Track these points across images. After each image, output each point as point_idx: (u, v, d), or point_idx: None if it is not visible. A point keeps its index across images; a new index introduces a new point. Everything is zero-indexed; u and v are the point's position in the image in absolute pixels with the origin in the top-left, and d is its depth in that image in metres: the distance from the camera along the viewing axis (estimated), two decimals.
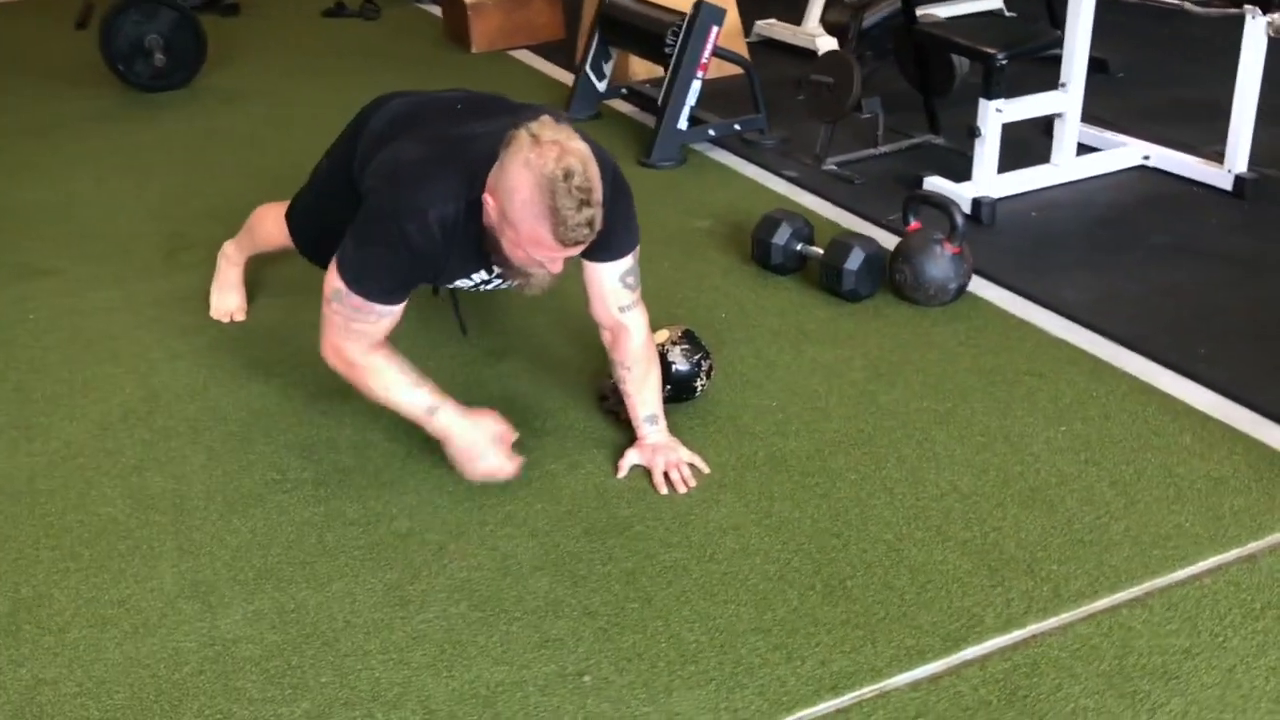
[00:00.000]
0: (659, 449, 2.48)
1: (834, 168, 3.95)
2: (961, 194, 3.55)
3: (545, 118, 2.17)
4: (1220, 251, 3.33)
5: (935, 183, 3.69)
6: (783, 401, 2.71)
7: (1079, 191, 3.74)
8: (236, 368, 2.95)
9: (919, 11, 4.10)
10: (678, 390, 2.66)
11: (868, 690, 1.93)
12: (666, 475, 2.43)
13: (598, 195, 2.13)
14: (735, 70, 4.33)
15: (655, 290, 3.10)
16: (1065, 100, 3.67)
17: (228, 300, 3.21)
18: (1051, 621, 2.05)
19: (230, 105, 5.00)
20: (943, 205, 3.07)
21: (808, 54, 4.99)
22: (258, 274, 3.28)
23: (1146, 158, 3.83)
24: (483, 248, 2.30)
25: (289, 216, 2.85)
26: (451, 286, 2.54)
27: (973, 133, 3.58)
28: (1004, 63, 3.46)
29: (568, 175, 2.08)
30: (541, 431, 2.64)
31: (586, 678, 1.98)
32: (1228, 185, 3.62)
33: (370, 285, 2.28)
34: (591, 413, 2.70)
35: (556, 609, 2.13)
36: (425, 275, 2.36)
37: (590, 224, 2.13)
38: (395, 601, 2.17)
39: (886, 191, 3.79)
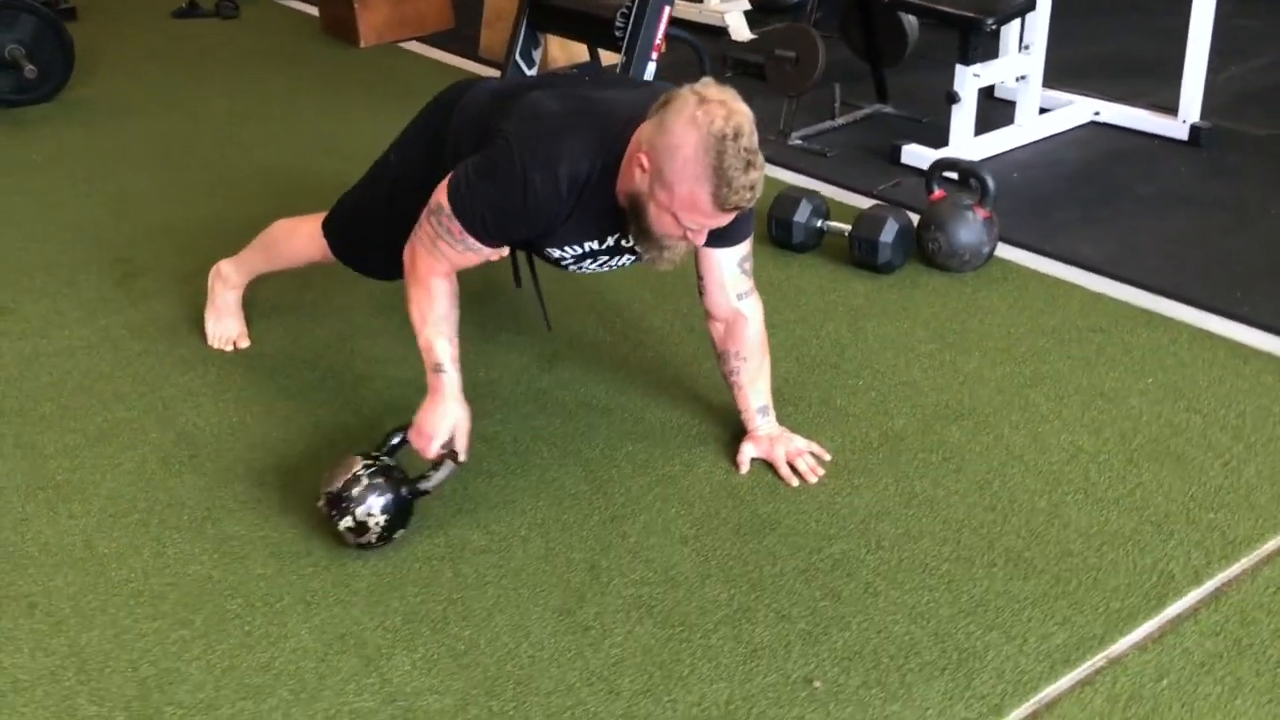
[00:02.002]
0: (776, 440, 2.40)
1: (800, 142, 3.93)
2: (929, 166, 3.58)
3: (707, 79, 2.08)
4: (1205, 199, 3.47)
5: (912, 150, 3.71)
6: (868, 380, 2.67)
7: (1042, 151, 3.83)
8: (270, 399, 2.71)
9: None
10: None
11: (1098, 659, 1.92)
12: (793, 466, 2.36)
13: (762, 159, 2.03)
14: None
15: (680, 280, 3.03)
16: (1029, 62, 3.76)
17: (227, 327, 2.94)
18: (1235, 569, 2.09)
19: (114, 118, 4.59)
20: (972, 170, 3.09)
21: (717, 31, 4.96)
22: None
23: (1097, 114, 3.96)
24: (607, 214, 2.18)
25: (333, 225, 2.63)
26: (556, 255, 2.33)
27: (951, 98, 3.62)
28: (993, 27, 3.51)
29: (736, 135, 1.97)
30: (635, 434, 2.52)
31: (817, 683, 1.89)
32: (1183, 135, 3.78)
33: (473, 217, 2.18)
34: (679, 410, 2.59)
35: (747, 616, 2.03)
36: (534, 229, 2.22)
37: (754, 188, 2.03)
38: (572, 629, 2.03)
39: (861, 162, 3.80)
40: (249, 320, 2.97)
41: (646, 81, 2.42)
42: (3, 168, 4.09)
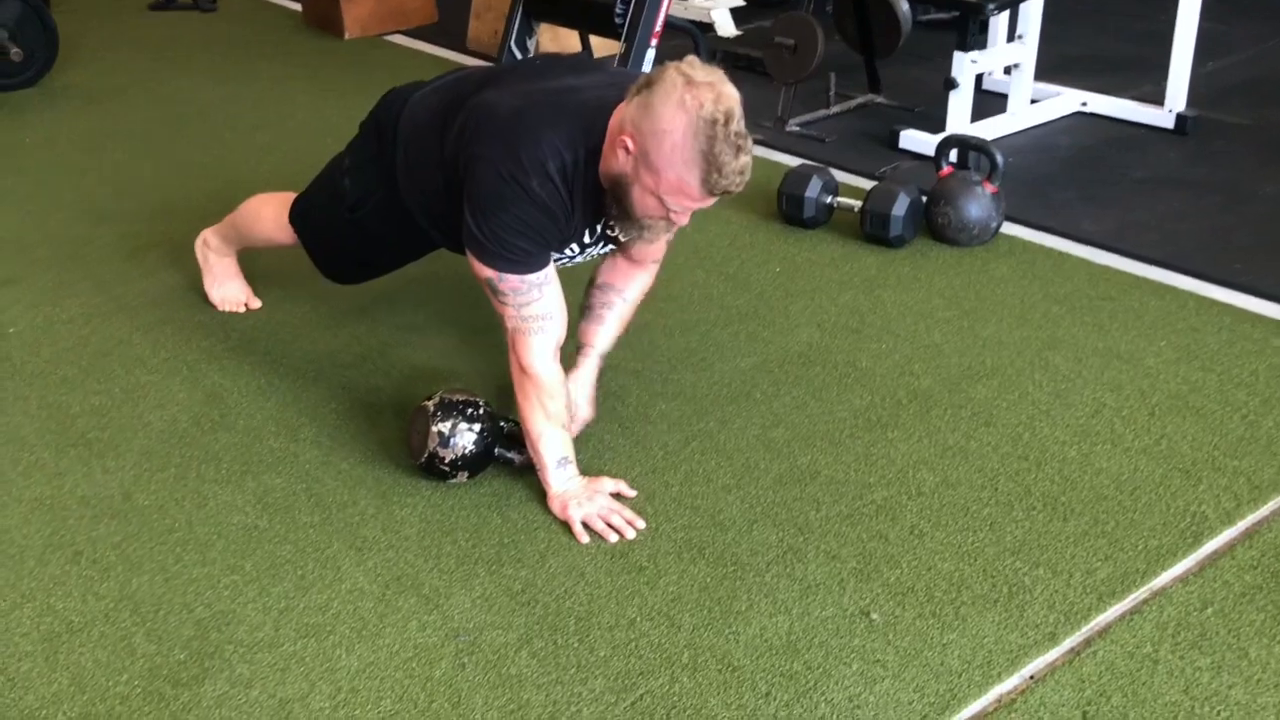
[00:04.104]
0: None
1: (798, 129, 3.99)
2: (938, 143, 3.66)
3: (691, 57, 2.03)
4: (1196, 181, 3.57)
5: (911, 135, 3.79)
6: (890, 344, 2.72)
7: (1035, 137, 3.93)
8: (296, 362, 2.71)
9: None
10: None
11: (1142, 591, 1.98)
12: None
13: (751, 143, 2.00)
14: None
15: (693, 252, 3.09)
16: (1023, 51, 3.85)
17: (230, 290, 2.94)
18: (1264, 510, 2.16)
19: (99, 104, 4.54)
20: (981, 146, 3.16)
21: (704, 27, 5.02)
22: (252, 265, 3.00)
23: (1084, 104, 4.06)
24: (594, 202, 2.14)
25: (300, 222, 2.62)
26: (558, 259, 2.27)
27: (949, 84, 3.70)
28: (994, 13, 3.60)
29: (727, 119, 1.93)
30: (666, 395, 2.56)
31: (874, 615, 1.93)
32: (1169, 124, 3.89)
33: (515, 255, 2.10)
34: (705, 371, 2.63)
35: (798, 556, 2.07)
36: (560, 233, 2.17)
37: (744, 173, 1.98)
38: (627, 569, 2.05)
39: (860, 147, 3.87)
40: (263, 289, 2.97)
41: (591, 62, 2.37)
42: None
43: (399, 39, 5.34)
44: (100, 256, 3.24)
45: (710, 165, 1.95)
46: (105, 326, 2.87)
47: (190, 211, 3.46)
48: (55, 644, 1.92)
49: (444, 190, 2.26)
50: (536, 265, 2.14)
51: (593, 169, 2.09)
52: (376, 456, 2.36)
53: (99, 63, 5.02)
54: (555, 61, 2.48)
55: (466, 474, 2.24)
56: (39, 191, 3.69)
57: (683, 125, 1.93)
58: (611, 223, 2.21)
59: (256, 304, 2.94)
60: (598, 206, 2.16)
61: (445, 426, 2.21)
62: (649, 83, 2.00)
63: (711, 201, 2.04)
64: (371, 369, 2.68)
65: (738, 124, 1.95)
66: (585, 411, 2.41)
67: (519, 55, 4.46)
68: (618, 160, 2.04)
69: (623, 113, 2.03)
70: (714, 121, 1.93)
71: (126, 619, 1.97)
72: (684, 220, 2.10)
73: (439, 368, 2.68)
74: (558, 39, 4.83)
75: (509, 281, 2.13)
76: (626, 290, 2.43)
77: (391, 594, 2.01)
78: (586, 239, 2.25)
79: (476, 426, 2.22)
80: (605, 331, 2.43)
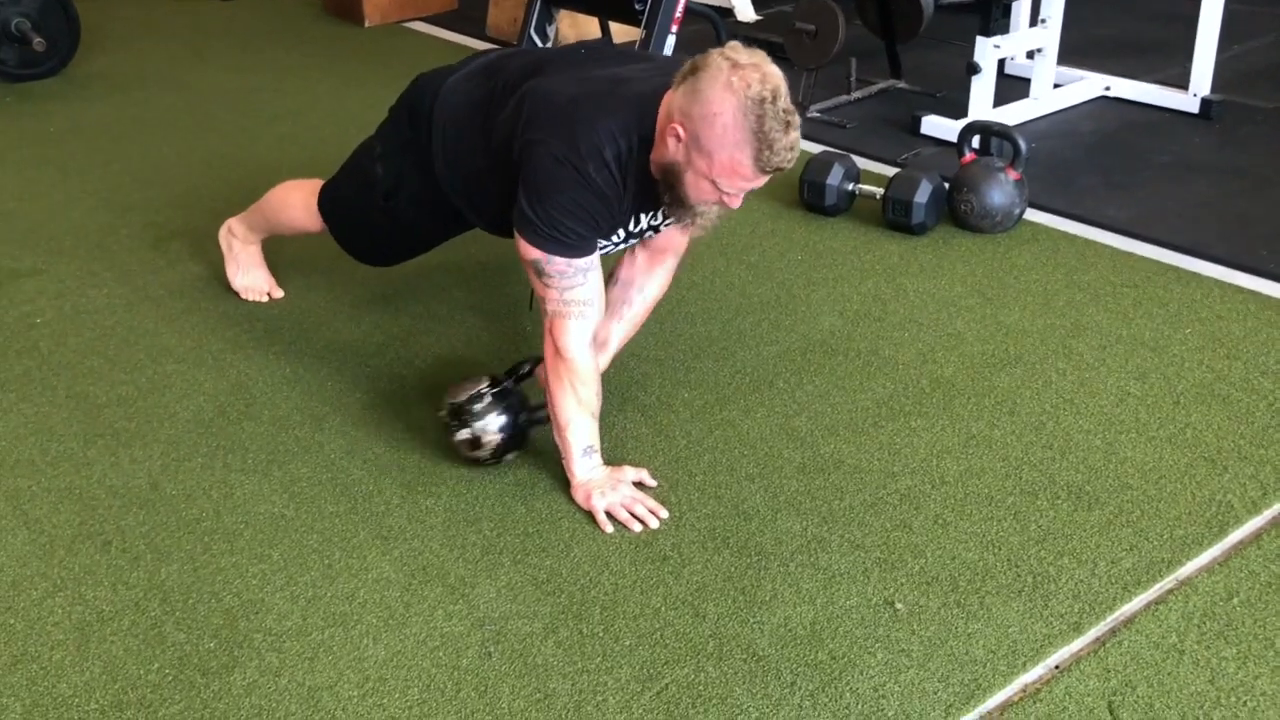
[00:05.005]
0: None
1: (819, 114, 3.98)
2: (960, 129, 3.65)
3: (734, 42, 2.08)
4: (1220, 167, 3.55)
5: (932, 121, 3.78)
6: (913, 332, 2.72)
7: (1058, 122, 3.91)
8: (319, 351, 2.72)
9: None
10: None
11: (1167, 581, 1.98)
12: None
13: (798, 119, 2.04)
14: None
15: (714, 241, 3.09)
16: (1046, 35, 3.83)
17: (255, 279, 2.95)
18: None
19: (124, 93, 4.57)
20: (1004, 133, 3.15)
21: (723, 12, 5.00)
22: (275, 254, 3.02)
23: (1107, 89, 4.04)
24: (646, 191, 2.16)
25: (329, 209, 2.63)
26: (602, 245, 2.29)
27: (971, 69, 3.68)
28: None
29: (775, 97, 1.98)
30: (688, 383, 2.56)
31: (899, 605, 1.94)
32: (1194, 108, 3.86)
33: (565, 236, 2.12)
34: (727, 360, 2.63)
35: (822, 546, 2.07)
36: (612, 218, 2.19)
37: (794, 149, 2.03)
38: (652, 558, 2.06)
39: (881, 133, 3.86)
40: (286, 278, 2.98)
41: (635, 52, 2.38)
42: (19, 140, 4.07)
43: (419, 26, 5.35)
44: (125, 246, 3.26)
45: (762, 143, 1.98)
46: (131, 317, 2.89)
47: (214, 201, 3.48)
48: (87, 633, 1.94)
49: (488, 173, 2.28)
50: (585, 250, 2.16)
51: (644, 156, 2.12)
52: (402, 445, 2.38)
53: (121, 51, 5.04)
54: (600, 50, 2.49)
55: (513, 454, 2.30)
56: (64, 181, 3.71)
57: (732, 106, 1.97)
58: (660, 211, 2.24)
59: (279, 293, 2.96)
60: (647, 193, 2.18)
61: (467, 433, 2.24)
62: (694, 69, 2.03)
63: (764, 180, 2.07)
64: (394, 357, 2.69)
65: (785, 101, 1.99)
66: None
67: (539, 42, 4.46)
68: (668, 149, 2.06)
69: (670, 101, 2.06)
70: (762, 100, 1.97)
71: (156, 608, 1.98)
72: (737, 203, 2.12)
73: (461, 355, 2.69)
74: (576, 25, 4.82)
75: (556, 264, 2.14)
76: (646, 288, 2.44)
77: (417, 583, 2.02)
78: (633, 226, 2.27)
79: (494, 414, 2.24)
80: (619, 329, 2.44)
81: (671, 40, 4.02)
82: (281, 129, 4.09)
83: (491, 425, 2.24)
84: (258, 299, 2.95)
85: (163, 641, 1.92)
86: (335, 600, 1.99)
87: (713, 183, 2.05)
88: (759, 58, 2.02)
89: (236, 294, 2.94)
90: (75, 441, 2.43)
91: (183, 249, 3.23)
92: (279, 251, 2.99)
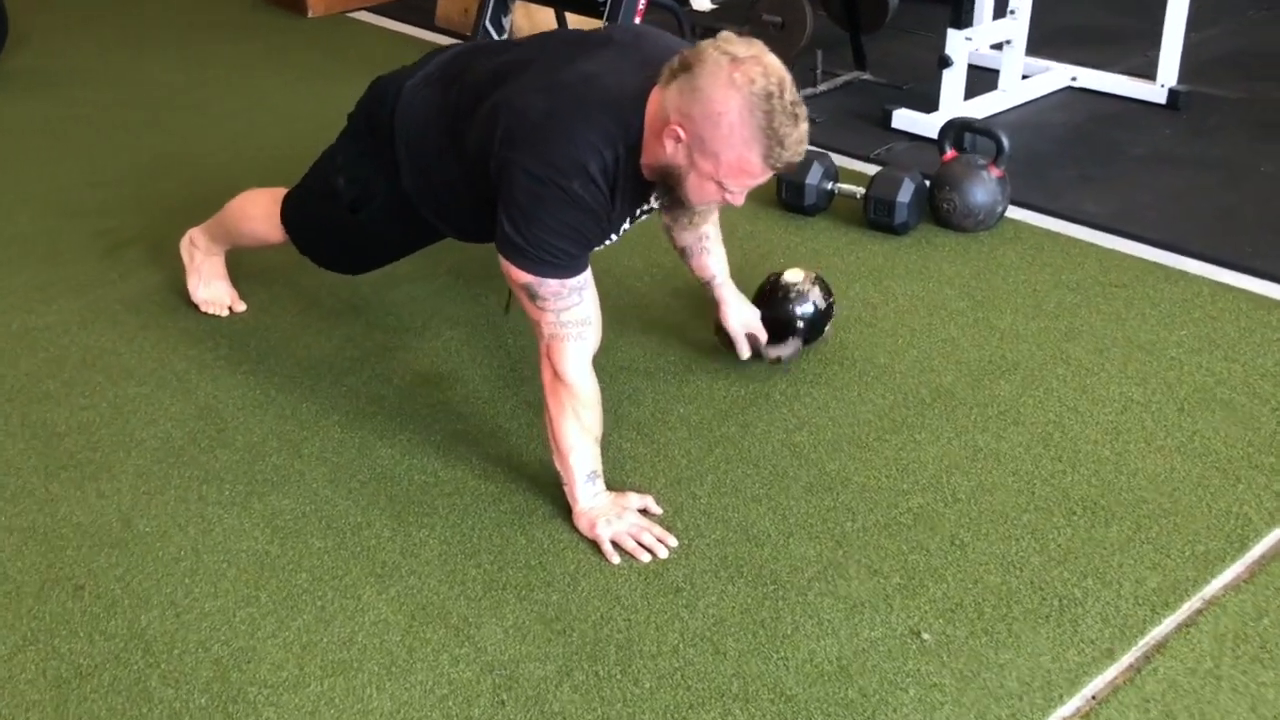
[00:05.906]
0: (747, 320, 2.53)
1: None
2: (934, 123, 3.59)
3: (726, 32, 1.96)
4: (1194, 159, 3.53)
5: (904, 115, 3.71)
6: (907, 338, 2.65)
7: (1025, 114, 3.87)
8: (290, 370, 2.59)
9: None
10: (811, 329, 2.55)
11: (1194, 601, 1.93)
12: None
13: (805, 110, 1.94)
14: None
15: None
16: (1014, 27, 3.78)
17: (216, 291, 2.81)
18: None
19: (61, 89, 4.36)
20: (988, 131, 3.09)
21: (681, 1, 4.90)
22: (236, 265, 2.87)
23: (1074, 79, 4.01)
24: (638, 194, 2.08)
25: (294, 222, 2.52)
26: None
27: (943, 62, 3.62)
28: None
29: (781, 91, 1.87)
30: (683, 397, 2.47)
31: (925, 635, 1.87)
32: (1161, 99, 3.84)
33: (556, 257, 2.01)
34: (724, 373, 2.55)
35: (839, 572, 2.00)
36: (602, 231, 2.09)
37: (804, 141, 1.94)
38: (664, 590, 1.97)
39: (851, 127, 3.79)
40: (248, 291, 2.85)
41: (592, 36, 2.27)
42: None
43: (364, 16, 5.19)
44: (75, 256, 3.10)
45: (771, 140, 1.89)
46: (86, 335, 2.74)
47: (166, 203, 3.33)
48: (65, 691, 1.81)
49: (460, 181, 2.18)
50: (577, 268, 2.06)
51: (633, 163, 2.01)
52: (388, 472, 2.26)
53: (51, 44, 4.83)
54: (563, 41, 2.34)
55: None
56: (4, 184, 3.53)
57: (737, 104, 1.86)
58: (650, 208, 2.16)
59: (241, 306, 2.82)
60: (636, 196, 2.09)
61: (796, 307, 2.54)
62: (686, 66, 1.91)
63: (770, 176, 1.98)
64: (371, 375, 2.57)
65: (791, 93, 1.90)
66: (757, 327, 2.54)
67: (494, 34, 4.33)
68: (666, 152, 1.96)
69: (662, 101, 1.94)
70: (769, 95, 1.87)
71: (139, 660, 1.86)
72: (739, 200, 2.03)
73: (442, 371, 2.58)
74: (531, 16, 4.69)
75: (549, 286, 2.03)
76: (705, 226, 2.45)
77: (418, 625, 1.92)
78: (625, 227, 2.18)
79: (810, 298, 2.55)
80: (717, 260, 2.49)
81: None
82: (233, 126, 3.93)
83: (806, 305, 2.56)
84: (218, 312, 2.80)
85: (149, 699, 1.79)
86: (332, 646, 1.88)
87: (718, 184, 1.97)
88: (757, 48, 1.91)
89: (196, 307, 2.80)
90: (35, 475, 2.28)
91: (137, 257, 3.07)
92: (240, 263, 2.85)
